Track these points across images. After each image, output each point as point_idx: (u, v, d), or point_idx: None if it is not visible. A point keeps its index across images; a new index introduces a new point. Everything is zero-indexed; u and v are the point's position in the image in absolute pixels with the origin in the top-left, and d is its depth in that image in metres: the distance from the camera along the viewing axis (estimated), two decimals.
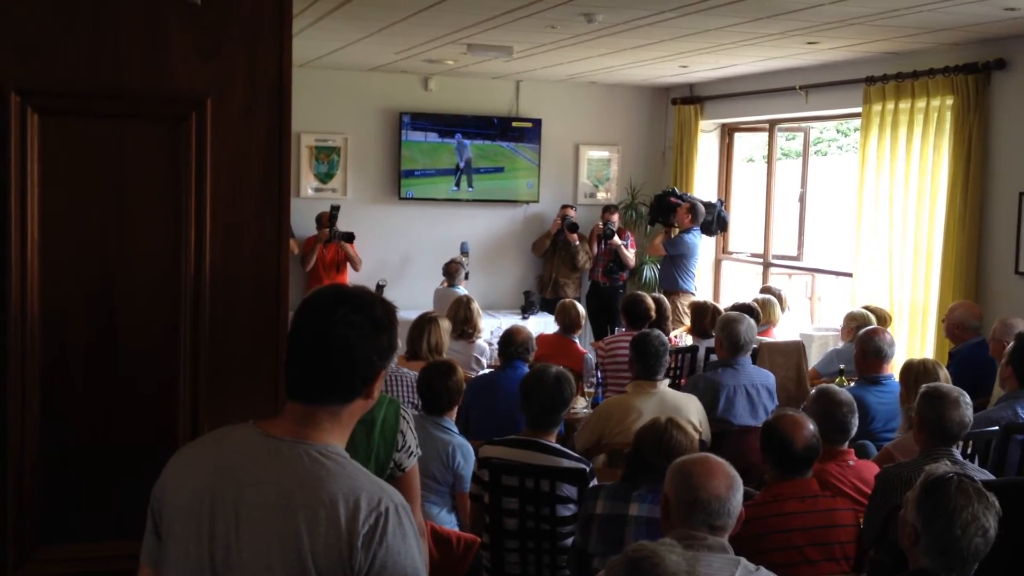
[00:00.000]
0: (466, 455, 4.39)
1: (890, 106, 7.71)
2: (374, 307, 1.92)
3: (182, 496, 1.88)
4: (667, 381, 5.24)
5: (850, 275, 8.31)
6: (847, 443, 4.14)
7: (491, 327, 7.82)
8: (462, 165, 10.17)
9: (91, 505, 2.39)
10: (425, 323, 5.91)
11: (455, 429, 4.51)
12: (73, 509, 2.38)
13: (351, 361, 1.88)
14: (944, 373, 4.82)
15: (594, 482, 3.94)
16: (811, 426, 3.66)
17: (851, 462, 4.09)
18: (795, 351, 6.59)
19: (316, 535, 1.76)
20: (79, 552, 2.36)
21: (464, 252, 9.56)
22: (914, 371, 4.82)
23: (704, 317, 6.88)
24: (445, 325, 6.01)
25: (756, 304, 7.11)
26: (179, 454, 1.99)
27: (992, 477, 3.93)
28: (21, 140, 2.27)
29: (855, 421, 4.12)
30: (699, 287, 9.59)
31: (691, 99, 10.29)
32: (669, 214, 9.36)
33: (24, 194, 2.28)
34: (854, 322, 6.48)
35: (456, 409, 4.58)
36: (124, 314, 2.38)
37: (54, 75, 2.29)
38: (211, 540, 1.83)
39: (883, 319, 6.77)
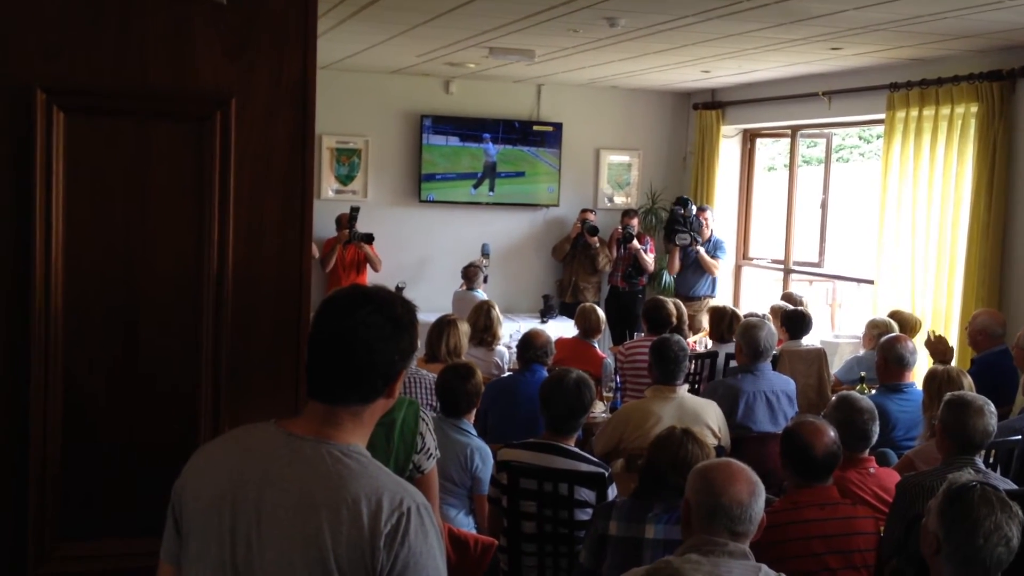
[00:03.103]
0: (484, 458, 4.39)
1: (914, 113, 7.66)
2: (395, 307, 1.91)
3: (203, 494, 1.88)
4: (686, 386, 5.23)
5: (872, 282, 8.26)
6: (868, 451, 4.11)
7: (510, 331, 7.82)
8: (489, 165, 10.16)
9: (112, 502, 2.39)
10: (444, 325, 5.92)
11: (473, 432, 4.51)
12: (95, 506, 2.39)
13: (372, 361, 1.87)
14: (968, 381, 4.78)
15: (612, 487, 3.93)
16: (832, 433, 3.63)
17: (872, 470, 4.06)
18: (816, 358, 6.57)
19: (338, 534, 1.76)
20: (100, 549, 2.37)
21: (485, 254, 9.56)
22: (938, 379, 4.79)
23: (722, 322, 6.87)
24: (464, 328, 6.03)
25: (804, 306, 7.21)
26: (200, 452, 1.99)
27: (1015, 486, 3.90)
28: (47, 138, 2.28)
29: (876, 429, 4.10)
30: (717, 292, 9.68)
31: (713, 104, 10.26)
32: (700, 227, 9.42)
33: (49, 192, 2.29)
34: (876, 329, 6.44)
35: (475, 412, 4.58)
36: (146, 312, 2.39)
37: (80, 74, 2.30)
38: (232, 538, 1.83)
39: (912, 326, 6.72)
